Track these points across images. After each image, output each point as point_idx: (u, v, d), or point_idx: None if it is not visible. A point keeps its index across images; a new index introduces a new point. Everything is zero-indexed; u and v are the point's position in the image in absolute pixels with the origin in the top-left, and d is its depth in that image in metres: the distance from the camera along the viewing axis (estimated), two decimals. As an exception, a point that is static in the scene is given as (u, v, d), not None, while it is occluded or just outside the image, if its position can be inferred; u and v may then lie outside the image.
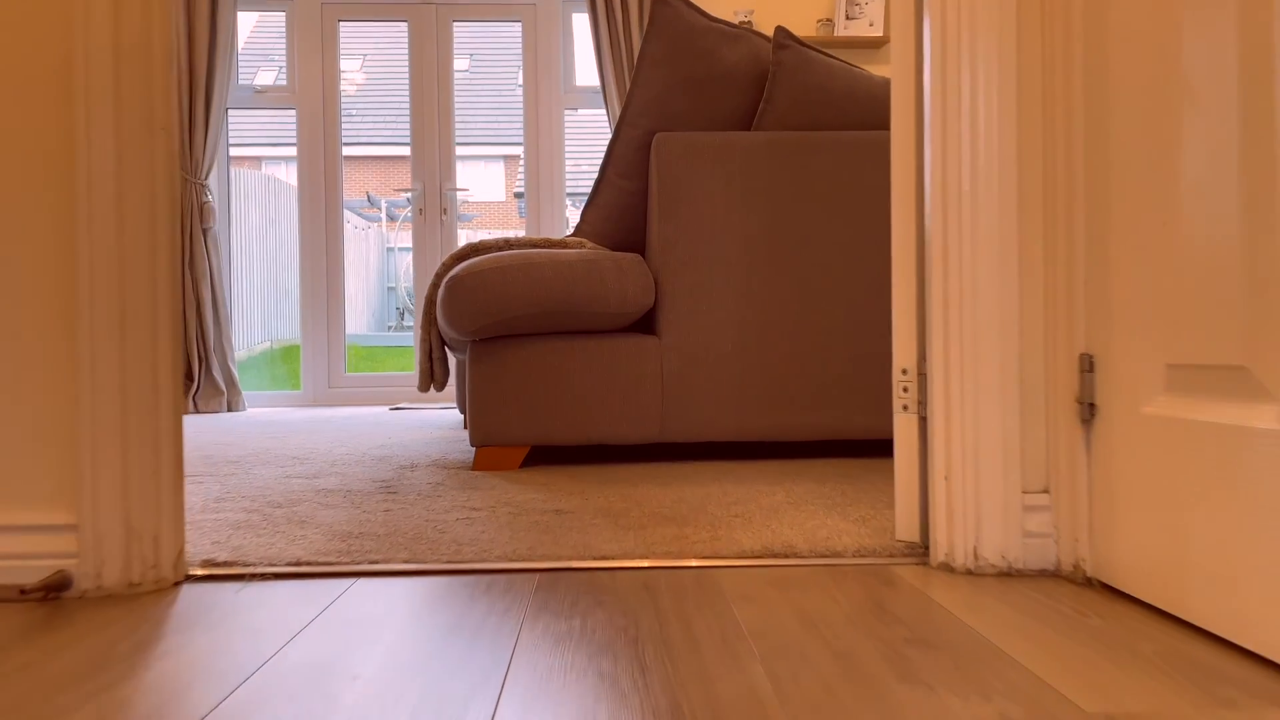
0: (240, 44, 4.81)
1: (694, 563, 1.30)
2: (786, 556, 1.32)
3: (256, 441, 2.96)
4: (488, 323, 2.19)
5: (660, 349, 2.29)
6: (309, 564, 1.30)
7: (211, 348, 4.42)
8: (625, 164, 2.39)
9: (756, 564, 1.30)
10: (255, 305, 8.17)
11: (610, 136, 2.38)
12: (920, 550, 1.33)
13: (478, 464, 2.27)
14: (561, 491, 1.90)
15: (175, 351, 1.25)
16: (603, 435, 2.28)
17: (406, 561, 1.31)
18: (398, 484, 2.04)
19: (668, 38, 2.33)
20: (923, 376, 1.32)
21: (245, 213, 7.94)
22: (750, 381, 2.30)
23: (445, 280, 2.24)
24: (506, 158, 16.44)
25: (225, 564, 1.31)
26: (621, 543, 1.41)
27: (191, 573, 1.28)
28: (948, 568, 1.26)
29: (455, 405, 3.78)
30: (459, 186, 5.00)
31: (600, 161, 2.38)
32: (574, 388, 2.26)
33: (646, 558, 1.32)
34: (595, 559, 1.32)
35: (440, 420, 3.70)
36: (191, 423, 3.74)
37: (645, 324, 2.43)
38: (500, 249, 2.42)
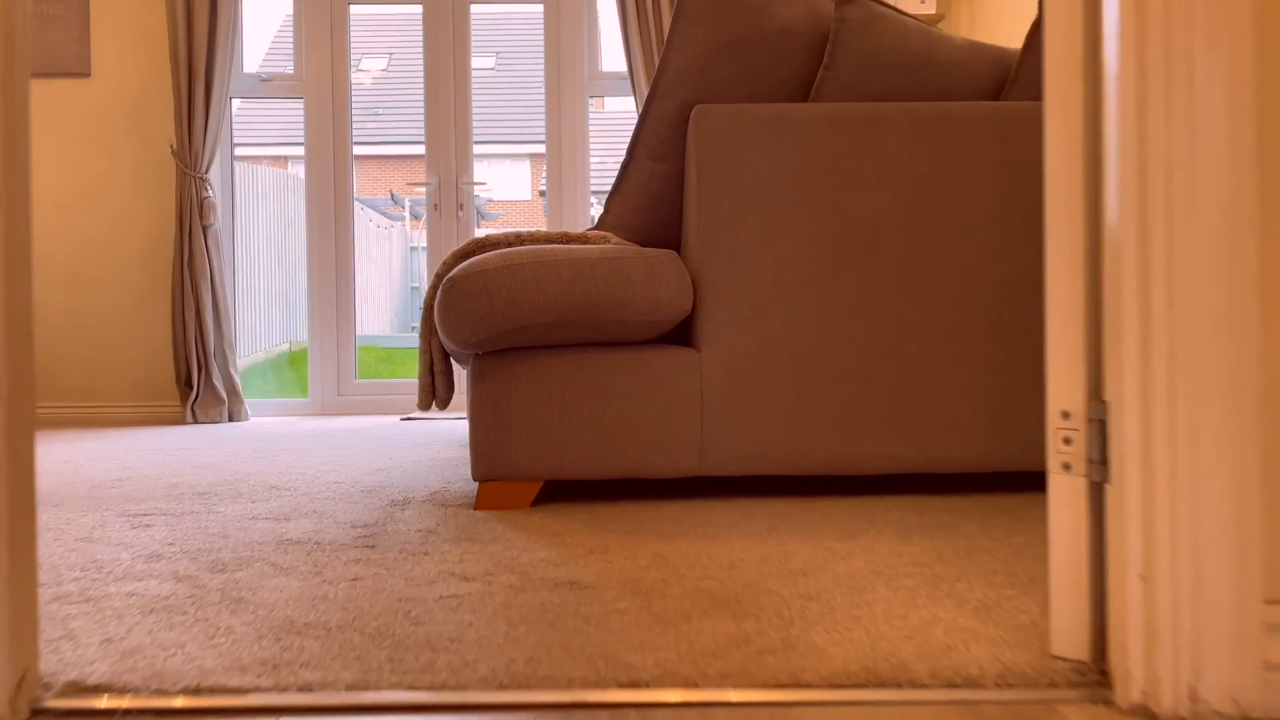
0: (245, 29, 4.44)
1: (765, 696, 0.88)
2: (899, 685, 0.90)
3: (240, 464, 2.57)
4: (492, 333, 1.79)
5: (699, 364, 1.87)
6: (214, 690, 0.90)
7: (211, 353, 4.05)
8: (657, 143, 1.97)
9: (856, 700, 0.88)
10: (270, 307, 7.82)
11: (639, 112, 1.97)
12: (1094, 676, 0.90)
13: (481, 502, 1.86)
14: (579, 548, 1.49)
15: (21, 364, 0.85)
16: (630, 468, 1.86)
17: (351, 688, 0.90)
18: (380, 532, 1.63)
19: (709, -9, 1.91)
20: (1097, 424, 0.90)
21: (254, 209, 7.59)
22: (808, 403, 1.88)
23: (442, 283, 1.83)
24: (533, 156, 16.07)
25: (96, 689, 0.91)
26: (659, 649, 0.99)
27: (43, 706, 0.88)
28: (1148, 714, 0.83)
29: (467, 417, 3.39)
30: (476, 180, 4.61)
31: (627, 143, 1.96)
32: (595, 411, 1.85)
33: (696, 686, 0.90)
34: (622, 686, 0.90)
35: (451, 434, 3.30)
36: (182, 436, 3.37)
37: (681, 334, 2.02)
38: (510, 245, 2.01)
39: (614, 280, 1.80)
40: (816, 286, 1.88)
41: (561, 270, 1.79)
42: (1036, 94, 1.99)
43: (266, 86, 4.44)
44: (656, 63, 4.11)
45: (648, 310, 1.81)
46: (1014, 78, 2.03)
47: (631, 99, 4.20)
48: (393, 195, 12.65)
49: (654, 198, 2.01)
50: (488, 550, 1.48)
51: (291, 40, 4.46)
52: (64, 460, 2.67)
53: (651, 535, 1.58)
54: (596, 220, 2.08)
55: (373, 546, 1.52)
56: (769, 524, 1.66)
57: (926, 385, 1.90)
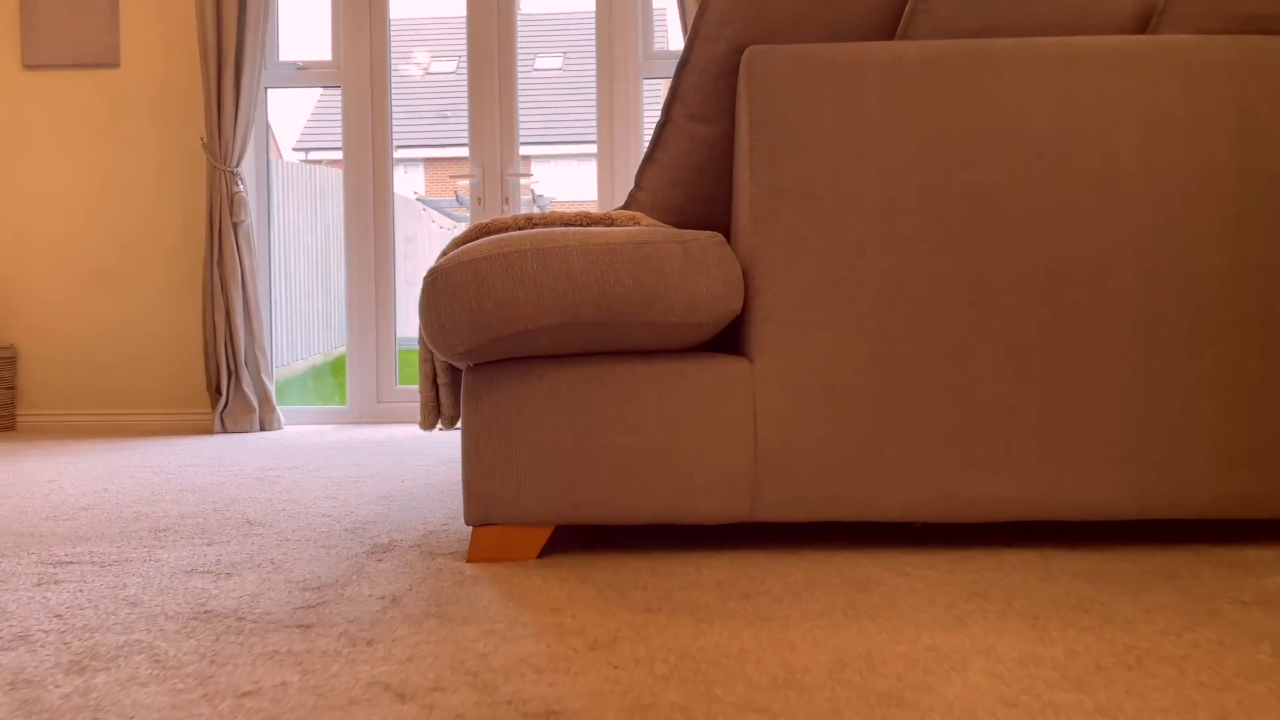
0: (282, 16, 4.14)
1: None
2: None
3: (234, 487, 2.21)
4: (485, 340, 1.37)
5: (753, 378, 1.43)
6: None
7: (242, 358, 3.74)
8: (699, 98, 1.53)
9: None
10: (314, 311, 7.51)
11: (678, 61, 1.54)
12: None
13: (475, 552, 1.45)
14: (578, 638, 1.06)
15: None
16: (663, 511, 1.43)
17: None
18: (332, 599, 1.23)
19: (764, -98, 1.47)
20: None
21: (299, 209, 7.32)
22: (894, 429, 1.42)
23: (425, 277, 1.43)
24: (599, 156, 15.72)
25: None
26: None
27: None
28: None
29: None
30: (523, 172, 4.22)
31: (663, 100, 1.52)
32: (619, 438, 1.42)
33: None
34: None
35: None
36: (199, 449, 3.04)
37: (728, 340, 1.58)
38: (521, 229, 1.60)
39: (641, 271, 1.37)
40: (906, 277, 1.42)
41: (573, 259, 1.37)
42: (1195, 25, 1.49)
43: (303, 75, 4.12)
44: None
45: (685, 310, 1.38)
46: (1163, 6, 1.54)
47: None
48: (458, 197, 12.44)
49: (696, 168, 1.57)
50: (454, 638, 1.06)
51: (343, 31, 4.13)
52: (49, 480, 2.35)
53: (681, 613, 1.15)
54: (625, 198, 1.65)
55: (309, 626, 1.12)
56: (843, 597, 1.21)
57: (1052, 405, 1.42)
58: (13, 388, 3.83)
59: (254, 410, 3.73)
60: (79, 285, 3.88)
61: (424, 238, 9.48)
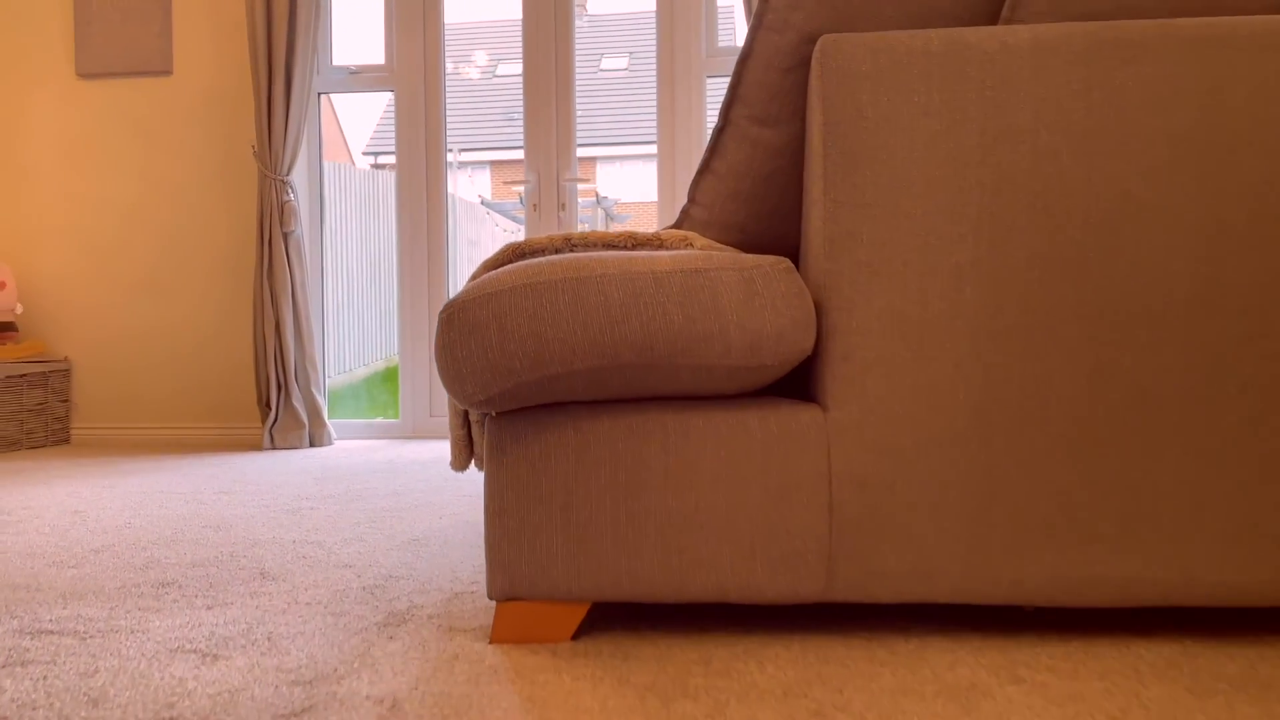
0: (335, 20, 3.99)
1: None
2: None
3: (261, 524, 2.04)
4: (509, 385, 1.16)
5: (827, 430, 1.19)
6: None
7: (292, 372, 3.60)
8: (764, 98, 1.29)
9: None
10: (368, 319, 7.38)
11: (738, 56, 1.31)
12: None
13: (499, 631, 1.23)
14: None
15: None
16: (718, 588, 1.20)
17: None
18: (321, 700, 1.02)
19: None
20: None
21: (350, 213, 7.19)
22: (1001, 492, 1.17)
23: (439, 314, 1.22)
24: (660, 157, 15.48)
25: None
26: None
27: None
28: None
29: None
30: (580, 177, 4.01)
31: (722, 102, 1.28)
32: (666, 499, 1.20)
33: None
34: None
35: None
36: (240, 470, 2.90)
37: (797, 382, 1.34)
38: (558, 250, 1.38)
39: (693, 305, 1.13)
40: (1014, 309, 1.16)
41: (612, 291, 1.14)
42: (1378, -4, 1.20)
43: (356, 80, 3.97)
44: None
45: (745, 351, 1.14)
46: (1334, -25, 1.25)
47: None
48: (521, 199, 12.35)
49: (759, 179, 1.33)
50: (456, 774, 0.85)
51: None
52: (74, 511, 2.22)
53: (740, 741, 0.91)
54: (678, 214, 1.43)
55: (285, 747, 0.91)
56: (943, 712, 0.96)
57: (1196, 467, 1.15)
58: (66, 400, 3.76)
59: (303, 426, 3.59)
60: (131, 295, 3.80)
61: (488, 241, 9.36)
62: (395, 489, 2.45)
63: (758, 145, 1.31)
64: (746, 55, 1.29)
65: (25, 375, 3.54)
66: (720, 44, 3.85)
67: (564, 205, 3.90)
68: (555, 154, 3.89)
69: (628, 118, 15.23)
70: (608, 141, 15.07)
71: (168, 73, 3.78)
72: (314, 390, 3.65)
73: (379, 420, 3.95)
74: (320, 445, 3.63)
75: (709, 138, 1.35)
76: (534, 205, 3.91)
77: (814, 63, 1.21)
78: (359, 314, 6.98)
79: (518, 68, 15.79)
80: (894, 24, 1.25)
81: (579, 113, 13.34)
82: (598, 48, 16.20)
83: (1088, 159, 1.16)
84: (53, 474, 2.85)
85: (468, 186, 15.37)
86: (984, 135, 1.16)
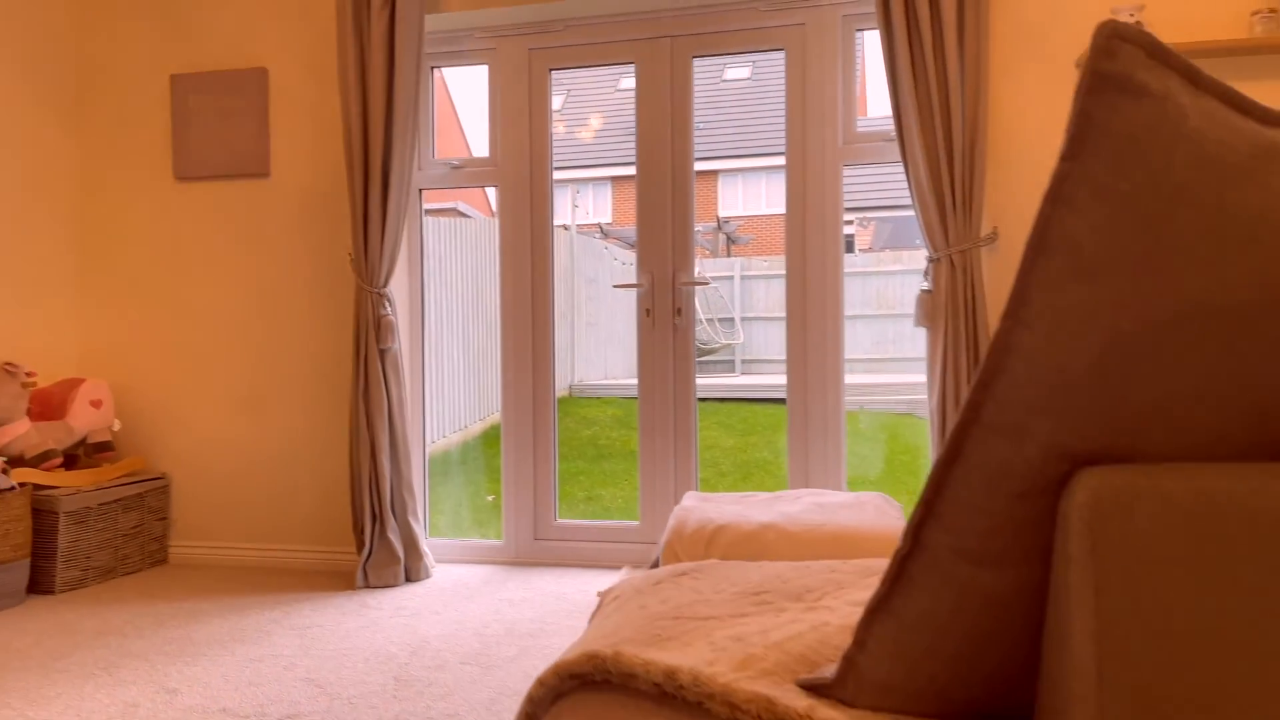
0: (437, 117, 3.64)
1: None
2: None
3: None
4: None
5: None
6: None
7: (388, 501, 3.28)
8: (981, 524, 0.80)
9: None
10: (462, 384, 6.87)
11: (937, 458, 0.82)
12: None
13: None
14: None
15: None
16: None
17: None
18: None
19: (1130, 170, 0.71)
20: None
21: (451, 265, 6.71)
22: None
23: None
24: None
25: None
26: None
27: None
28: None
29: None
30: (697, 280, 3.54)
31: (910, 517, 0.74)
32: None
33: None
34: None
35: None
36: (318, 628, 2.55)
37: None
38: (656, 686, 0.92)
39: None
40: None
41: None
42: None
43: (458, 175, 3.62)
44: (938, 118, 2.82)
45: None
46: None
47: (901, 168, 2.96)
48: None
49: (965, 635, 0.83)
50: None
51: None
52: (168, 689, 1.90)
53: None
54: (837, 666, 0.95)
55: None
56: None
57: None
58: (165, 518, 3.55)
59: (399, 560, 3.26)
60: (228, 407, 3.55)
61: (605, 277, 9.00)
62: (480, 668, 2.04)
63: (967, 589, 0.81)
64: (952, 459, 0.80)
65: (120, 499, 3.33)
66: (859, 129, 3.30)
67: (679, 310, 3.45)
68: (671, 256, 3.44)
69: (751, 129, 14.60)
70: (730, 154, 14.47)
71: (265, 175, 3.51)
72: (410, 519, 3.32)
73: (481, 542, 3.60)
74: (416, 580, 3.30)
75: (893, 559, 0.86)
76: (647, 310, 3.46)
77: (1073, 507, 0.71)
78: (453, 380, 6.67)
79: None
80: (1197, 442, 0.74)
81: (697, 125, 12.82)
82: (720, 59, 15.59)
83: None
84: (135, 617, 2.57)
85: (590, 207, 15.06)
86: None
